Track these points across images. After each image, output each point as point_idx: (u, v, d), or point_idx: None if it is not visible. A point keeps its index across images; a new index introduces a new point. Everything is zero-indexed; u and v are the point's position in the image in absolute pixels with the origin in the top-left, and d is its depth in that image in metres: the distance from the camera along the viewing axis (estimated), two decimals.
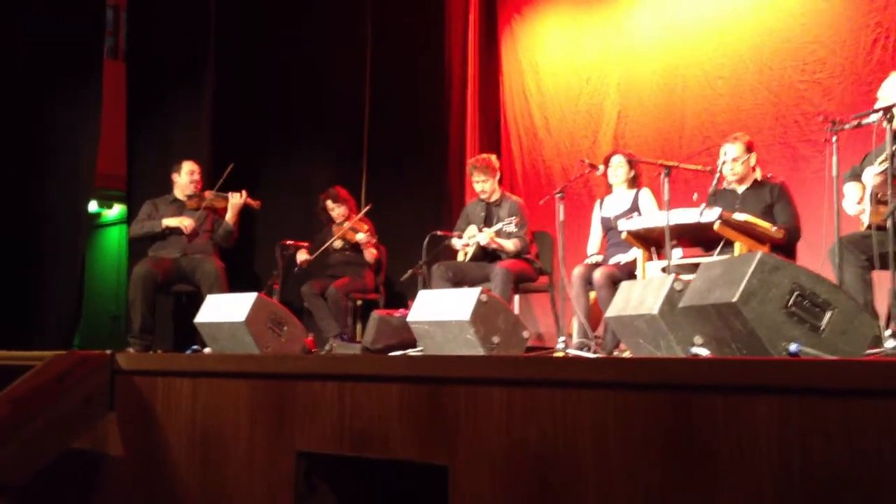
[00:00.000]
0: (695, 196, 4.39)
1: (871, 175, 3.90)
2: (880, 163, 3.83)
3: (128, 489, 3.85)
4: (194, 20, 6.99)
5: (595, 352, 4.70)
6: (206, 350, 4.57)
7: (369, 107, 7.40)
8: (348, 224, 6.29)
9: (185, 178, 6.13)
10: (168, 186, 6.22)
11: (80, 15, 6.79)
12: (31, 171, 6.67)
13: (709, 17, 6.33)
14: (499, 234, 5.54)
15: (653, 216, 4.78)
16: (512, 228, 5.46)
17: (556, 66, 7.18)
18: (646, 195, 5.32)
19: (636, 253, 4.84)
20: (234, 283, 5.81)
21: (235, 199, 6.07)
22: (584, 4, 7.09)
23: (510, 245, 5.51)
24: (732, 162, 4.73)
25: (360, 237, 6.19)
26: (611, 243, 5.36)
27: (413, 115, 7.26)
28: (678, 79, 6.41)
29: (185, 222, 5.97)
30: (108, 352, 3.96)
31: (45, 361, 3.91)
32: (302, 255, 6.30)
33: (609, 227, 5.35)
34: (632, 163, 5.37)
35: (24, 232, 6.60)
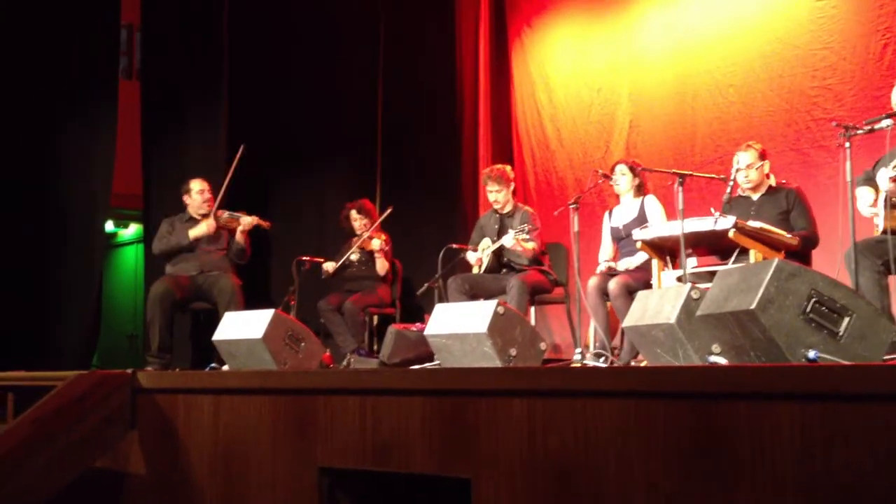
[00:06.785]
0: (712, 210, 4.39)
1: (885, 178, 3.90)
2: (894, 166, 3.83)
3: None
4: (207, 38, 7.05)
5: (612, 363, 4.70)
6: (225, 367, 4.60)
7: (382, 122, 7.43)
8: (367, 233, 6.34)
9: (197, 197, 6.14)
10: (184, 204, 6.25)
11: (95, 35, 6.86)
12: (48, 192, 6.73)
13: (717, 25, 6.33)
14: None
15: (668, 225, 4.77)
16: (526, 235, 5.47)
17: (566, 78, 7.19)
18: (651, 202, 5.32)
19: (643, 255, 4.87)
20: (250, 300, 5.83)
21: (246, 221, 6.09)
22: (594, 15, 7.11)
23: (531, 245, 5.53)
24: (746, 169, 4.73)
25: (375, 244, 6.23)
26: (622, 253, 5.35)
27: (426, 129, 7.29)
28: (689, 87, 6.42)
29: (207, 223, 6.00)
30: (129, 371, 3.99)
31: (66, 382, 3.94)
32: (328, 266, 6.34)
33: (619, 237, 5.35)
34: (634, 170, 5.36)
35: (41, 253, 6.66)
